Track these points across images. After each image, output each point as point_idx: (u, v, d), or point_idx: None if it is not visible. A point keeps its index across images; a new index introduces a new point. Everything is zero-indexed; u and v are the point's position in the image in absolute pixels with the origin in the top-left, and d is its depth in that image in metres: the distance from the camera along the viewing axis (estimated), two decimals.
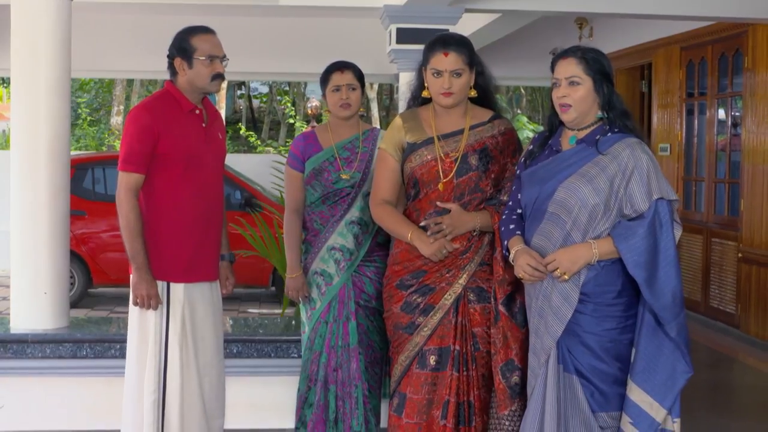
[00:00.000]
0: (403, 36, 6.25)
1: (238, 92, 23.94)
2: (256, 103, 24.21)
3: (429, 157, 3.06)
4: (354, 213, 3.47)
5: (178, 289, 3.19)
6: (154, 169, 3.16)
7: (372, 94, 17.94)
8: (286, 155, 3.71)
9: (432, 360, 3.05)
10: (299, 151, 3.54)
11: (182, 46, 3.18)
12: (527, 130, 14.55)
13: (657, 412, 2.72)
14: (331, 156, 3.49)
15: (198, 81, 3.19)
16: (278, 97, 21.80)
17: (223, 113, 17.66)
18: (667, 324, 2.70)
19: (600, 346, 2.75)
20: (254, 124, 22.31)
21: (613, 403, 2.77)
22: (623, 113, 2.81)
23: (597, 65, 2.77)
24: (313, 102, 11.04)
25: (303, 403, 3.51)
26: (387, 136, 3.17)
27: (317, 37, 9.05)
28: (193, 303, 3.22)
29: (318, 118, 10.93)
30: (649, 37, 8.32)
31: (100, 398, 4.06)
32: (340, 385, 3.46)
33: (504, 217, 2.96)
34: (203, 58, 3.16)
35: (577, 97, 2.78)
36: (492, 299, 3.00)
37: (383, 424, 3.49)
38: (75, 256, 7.53)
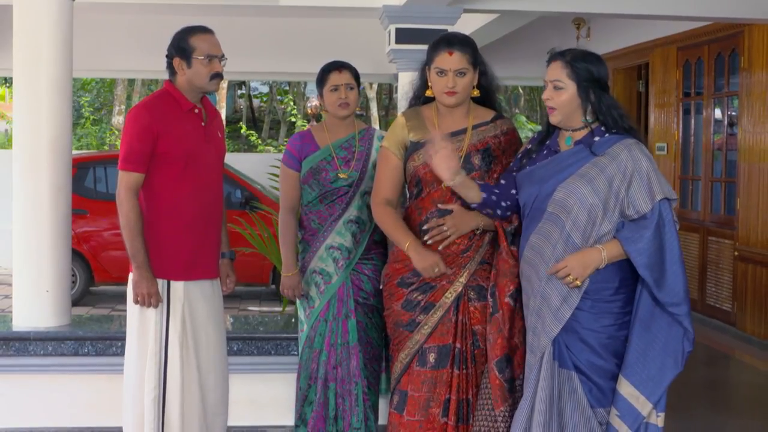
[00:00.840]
0: (402, 36, 6.26)
1: (239, 92, 23.93)
2: (256, 102, 24.21)
3: None
4: (352, 212, 3.50)
5: (178, 287, 3.20)
6: (154, 168, 3.17)
7: (371, 93, 17.93)
8: None
9: (431, 358, 3.05)
10: (296, 150, 3.55)
11: (181, 46, 3.19)
12: (526, 130, 14.58)
13: (643, 406, 2.74)
14: (329, 155, 3.51)
15: (197, 80, 3.20)
16: (279, 97, 21.80)
17: (223, 113, 17.67)
18: (683, 320, 2.72)
19: (598, 342, 2.78)
20: (255, 124, 22.31)
21: (610, 398, 2.79)
22: (619, 117, 2.81)
23: (583, 71, 2.78)
24: (313, 101, 11.06)
25: (303, 401, 3.53)
26: (389, 134, 3.16)
27: (317, 37, 9.06)
28: (194, 301, 3.23)
29: (318, 118, 10.95)
30: (646, 37, 8.34)
31: (102, 395, 4.07)
32: (339, 382, 3.48)
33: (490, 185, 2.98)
34: (202, 57, 3.17)
35: (559, 101, 2.81)
36: (490, 296, 3.00)
37: (382, 420, 3.51)
38: (77, 255, 7.54)
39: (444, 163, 2.86)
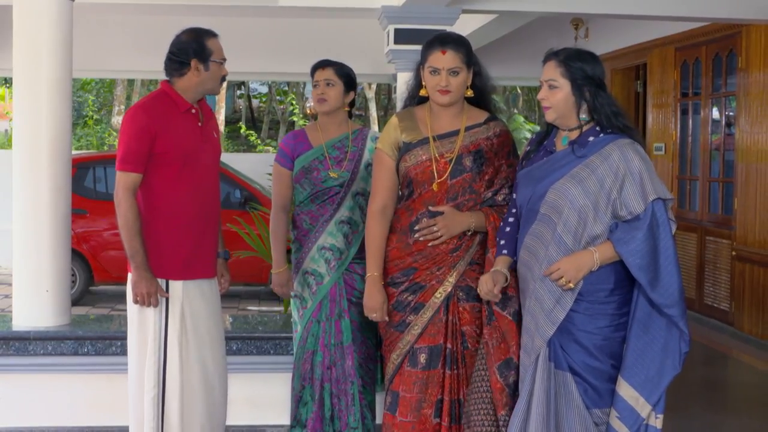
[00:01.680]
0: (401, 36, 6.27)
1: (238, 92, 23.95)
2: (255, 102, 24.22)
3: (424, 157, 3.05)
4: (344, 212, 3.51)
5: (176, 287, 3.22)
6: (152, 169, 3.19)
7: (370, 94, 17.93)
8: None
9: (422, 358, 3.05)
10: (289, 149, 3.58)
11: (198, 48, 3.21)
12: (524, 130, 14.58)
13: (642, 407, 2.74)
14: (321, 154, 3.53)
15: (209, 83, 3.25)
16: (278, 97, 21.81)
17: (223, 113, 17.68)
18: (678, 321, 2.71)
19: (593, 344, 2.77)
20: (254, 124, 22.33)
21: (606, 399, 2.79)
22: (613, 115, 2.80)
23: (578, 71, 2.78)
24: (311, 101, 11.09)
25: (297, 402, 3.54)
26: (383, 135, 3.16)
27: (316, 38, 9.07)
28: (193, 300, 3.25)
29: (316, 118, 10.97)
30: (644, 37, 8.36)
31: (102, 395, 4.08)
32: (334, 382, 3.49)
33: (502, 223, 2.99)
34: (218, 60, 3.24)
35: (554, 100, 2.82)
36: (485, 301, 2.99)
37: (379, 420, 3.53)
38: (76, 254, 7.56)
39: (485, 287, 2.89)
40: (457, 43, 3.06)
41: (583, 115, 2.84)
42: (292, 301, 3.66)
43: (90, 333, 4.15)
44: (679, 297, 2.72)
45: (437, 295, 3.05)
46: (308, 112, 11.08)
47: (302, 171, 3.53)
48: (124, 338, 3.41)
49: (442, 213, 3.03)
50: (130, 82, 18.85)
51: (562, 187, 2.78)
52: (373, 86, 18.10)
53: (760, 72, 6.81)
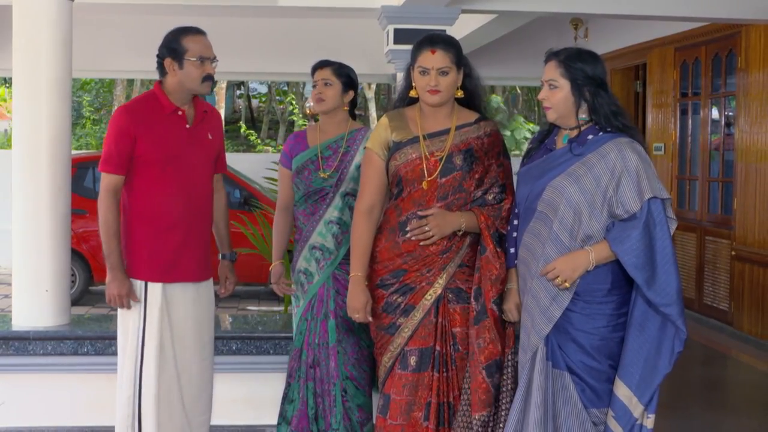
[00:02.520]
0: (401, 36, 6.27)
1: (238, 92, 23.97)
2: (255, 102, 24.23)
3: (414, 155, 3.04)
4: (332, 213, 3.52)
5: (155, 289, 3.20)
6: (133, 170, 3.19)
7: (370, 94, 17.93)
8: None
9: (412, 361, 3.03)
10: (288, 149, 3.63)
11: (172, 47, 3.17)
12: (524, 130, 14.59)
13: (635, 407, 2.74)
14: (314, 155, 3.55)
15: (188, 82, 3.18)
16: (277, 97, 21.83)
17: (222, 113, 17.69)
18: (676, 320, 2.70)
19: (590, 344, 2.77)
20: (253, 124, 22.35)
21: (604, 399, 2.78)
22: (612, 114, 2.80)
23: (578, 71, 2.78)
24: (311, 102, 11.10)
25: (284, 398, 3.57)
26: (373, 135, 3.14)
27: (316, 38, 9.08)
28: (172, 303, 3.23)
29: (316, 118, 10.96)
30: (644, 37, 8.36)
31: (101, 395, 4.06)
32: (318, 382, 3.50)
33: (510, 228, 2.99)
34: (194, 59, 3.16)
35: (555, 100, 2.82)
36: (474, 299, 2.98)
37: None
38: (76, 254, 7.58)
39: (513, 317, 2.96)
40: (447, 43, 3.06)
41: (583, 115, 2.84)
42: (291, 300, 3.68)
43: (89, 333, 4.16)
44: (677, 296, 2.71)
45: (427, 297, 3.03)
46: (307, 112, 11.08)
47: (296, 171, 3.57)
48: None
49: (431, 215, 3.01)
50: (130, 82, 18.87)
51: (559, 185, 2.78)
52: (373, 86, 18.11)
53: (759, 72, 6.82)
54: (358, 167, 3.47)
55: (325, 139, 3.57)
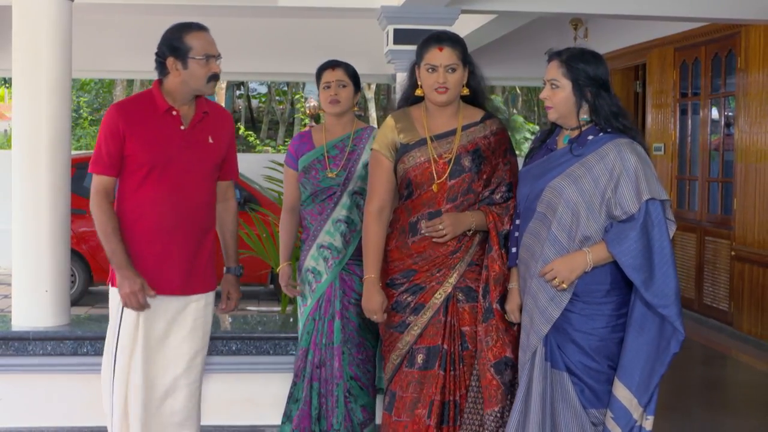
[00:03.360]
0: (400, 37, 6.28)
1: (237, 92, 23.97)
2: (254, 103, 24.24)
3: (422, 158, 3.04)
4: (341, 212, 3.52)
5: None
6: (122, 172, 3.04)
7: (370, 94, 17.97)
8: (284, 154, 3.78)
9: (420, 359, 3.05)
10: (294, 150, 3.61)
11: (175, 45, 2.98)
12: (524, 131, 14.59)
13: (635, 408, 2.74)
14: (321, 154, 3.54)
15: (193, 82, 3.01)
16: (277, 97, 21.84)
17: None
18: (674, 321, 2.70)
19: (589, 344, 2.77)
20: (253, 124, 22.36)
21: (603, 400, 2.79)
22: (612, 115, 2.80)
23: (580, 71, 2.78)
24: (311, 102, 11.09)
25: (290, 398, 3.58)
26: (379, 136, 3.14)
27: (315, 38, 9.08)
28: (151, 318, 3.03)
29: (316, 118, 10.99)
30: (644, 37, 8.36)
31: (101, 395, 4.09)
32: (323, 382, 3.50)
33: (512, 227, 2.99)
34: (199, 57, 2.98)
35: (556, 99, 2.83)
36: (482, 297, 3.00)
37: (379, 420, 3.53)
38: (76, 255, 7.57)
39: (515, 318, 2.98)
40: (453, 40, 3.07)
41: (584, 116, 2.84)
42: (297, 299, 3.68)
43: (89, 333, 4.15)
44: (675, 297, 2.70)
45: (437, 296, 3.05)
46: (308, 112, 11.07)
47: (303, 171, 3.56)
48: None
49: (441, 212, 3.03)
50: (130, 83, 18.88)
51: (558, 186, 2.78)
52: (373, 86, 18.14)
53: (759, 72, 6.82)
54: (366, 166, 3.47)
55: (331, 139, 3.57)
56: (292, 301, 5.46)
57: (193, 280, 3.11)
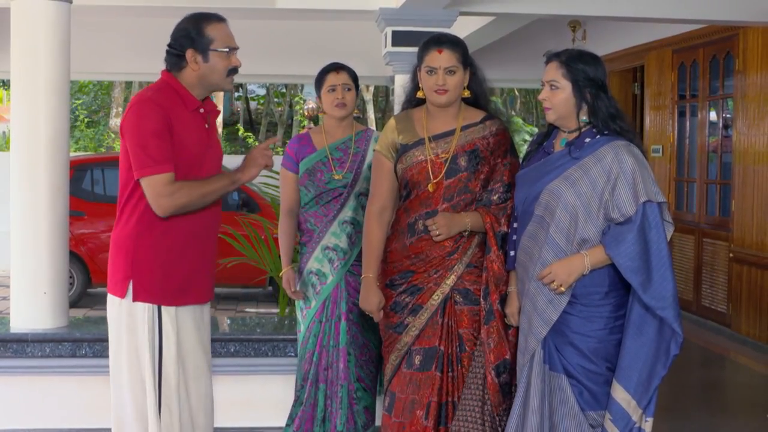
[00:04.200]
0: (399, 39, 6.27)
1: (236, 94, 23.96)
2: (253, 104, 24.25)
3: (420, 157, 3.06)
4: (347, 213, 3.52)
5: (170, 314, 2.77)
6: None
7: (368, 96, 17.97)
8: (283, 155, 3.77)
9: (417, 360, 3.06)
10: (293, 153, 3.60)
11: (193, 37, 2.75)
12: (523, 132, 14.60)
13: (634, 410, 2.74)
14: (324, 157, 3.54)
15: (212, 76, 2.78)
16: (275, 99, 21.85)
17: (221, 115, 17.68)
18: (672, 323, 2.70)
19: (587, 347, 2.77)
20: (252, 126, 22.37)
21: (602, 402, 2.78)
22: (610, 117, 2.80)
23: (580, 72, 2.78)
24: (310, 104, 11.09)
25: (296, 401, 3.57)
26: (381, 138, 3.16)
27: (314, 40, 9.09)
28: (182, 329, 2.81)
29: (315, 120, 10.98)
30: (642, 39, 8.37)
31: (99, 397, 4.03)
32: (329, 384, 3.50)
33: (510, 230, 2.99)
34: (222, 49, 2.76)
35: (555, 101, 2.83)
36: (483, 299, 3.00)
37: (379, 421, 3.54)
38: (74, 256, 7.57)
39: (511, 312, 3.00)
40: (454, 43, 3.08)
41: (584, 117, 2.84)
42: (296, 302, 3.67)
43: (87, 335, 4.16)
44: (672, 299, 2.70)
45: (434, 297, 3.06)
46: (307, 114, 11.06)
47: (306, 173, 3.55)
48: None
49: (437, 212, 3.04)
50: (128, 85, 18.88)
51: (555, 188, 2.78)
52: (371, 88, 18.13)
53: (757, 74, 6.83)
54: (371, 167, 3.48)
55: (332, 141, 3.57)
56: (291, 303, 5.46)
57: (212, 284, 2.97)
